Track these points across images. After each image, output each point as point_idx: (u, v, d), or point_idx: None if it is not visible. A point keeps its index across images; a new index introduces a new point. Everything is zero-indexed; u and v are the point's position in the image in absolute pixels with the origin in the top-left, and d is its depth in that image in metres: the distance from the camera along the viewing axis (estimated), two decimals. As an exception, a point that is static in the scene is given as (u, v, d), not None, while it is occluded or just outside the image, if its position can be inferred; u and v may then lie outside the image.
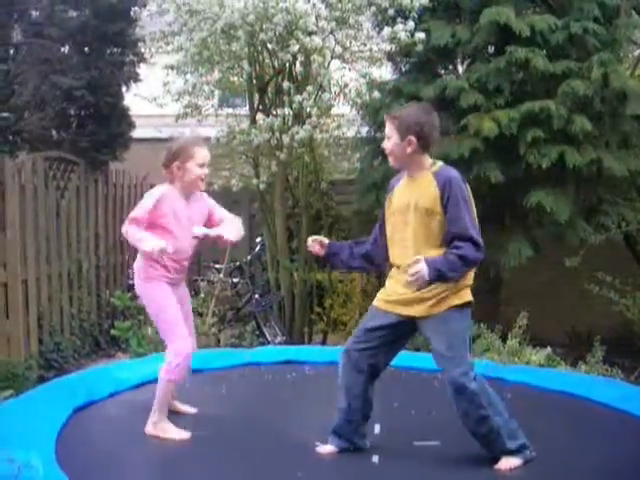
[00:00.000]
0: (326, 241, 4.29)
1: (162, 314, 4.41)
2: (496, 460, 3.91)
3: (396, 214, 4.04)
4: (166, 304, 4.39)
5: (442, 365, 3.93)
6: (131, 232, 4.18)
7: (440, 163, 4.01)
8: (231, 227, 4.52)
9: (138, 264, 4.46)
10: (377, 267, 4.37)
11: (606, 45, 7.02)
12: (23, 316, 7.13)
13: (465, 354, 3.88)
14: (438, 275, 3.69)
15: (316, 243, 4.28)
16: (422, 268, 3.64)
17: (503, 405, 3.95)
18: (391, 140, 3.98)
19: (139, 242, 4.15)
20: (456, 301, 3.88)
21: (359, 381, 4.09)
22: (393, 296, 4.03)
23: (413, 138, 3.90)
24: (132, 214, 4.23)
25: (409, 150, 3.92)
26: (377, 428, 4.39)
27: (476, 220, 3.89)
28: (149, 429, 4.33)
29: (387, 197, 4.18)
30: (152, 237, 4.15)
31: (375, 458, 3.99)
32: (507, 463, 3.88)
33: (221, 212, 4.67)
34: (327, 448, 4.17)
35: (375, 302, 4.17)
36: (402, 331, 4.09)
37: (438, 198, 3.84)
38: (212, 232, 4.45)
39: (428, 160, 3.99)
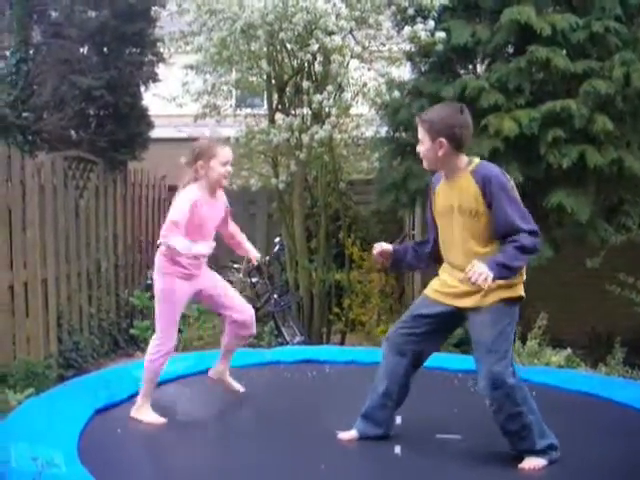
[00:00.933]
0: (390, 249, 4.23)
1: (166, 311, 4.53)
2: (520, 459, 3.88)
3: (441, 216, 4.01)
4: (173, 302, 4.52)
5: (482, 357, 3.88)
6: (171, 235, 4.31)
7: (477, 160, 3.93)
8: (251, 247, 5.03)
9: (158, 258, 4.57)
10: (441, 262, 4.33)
11: (628, 44, 6.96)
12: (42, 315, 7.16)
13: (508, 349, 3.87)
14: (502, 268, 3.67)
15: (380, 255, 4.23)
16: (481, 269, 3.60)
17: (535, 404, 3.93)
18: (423, 144, 3.91)
19: (174, 244, 4.30)
20: (506, 294, 3.84)
21: (400, 365, 4.10)
22: (445, 288, 4.01)
23: (444, 140, 3.82)
24: (173, 218, 4.35)
25: (441, 153, 3.85)
26: (399, 419, 4.39)
27: (522, 208, 3.84)
28: (132, 412, 4.50)
29: (431, 196, 4.12)
30: (183, 240, 4.34)
31: (397, 449, 3.98)
32: (531, 463, 3.84)
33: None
34: (349, 434, 4.18)
35: (427, 291, 4.16)
36: (448, 323, 4.12)
37: (480, 197, 3.78)
38: (252, 254, 5.14)
39: (464, 160, 3.91)
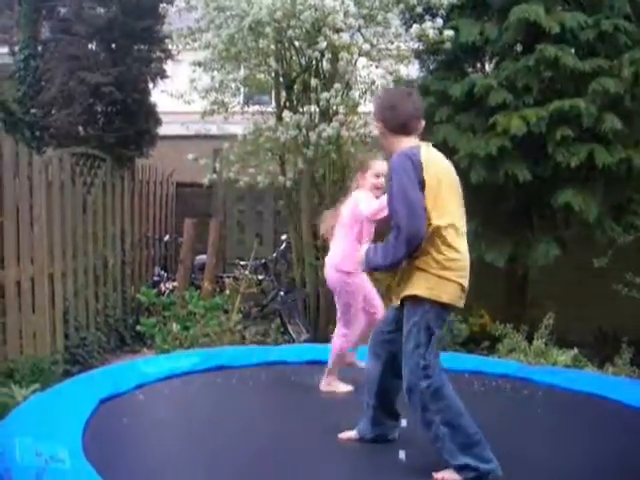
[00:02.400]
0: None
1: (350, 306, 5.27)
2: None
3: None
4: (356, 299, 5.26)
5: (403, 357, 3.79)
6: None
7: (416, 145, 3.80)
8: None
9: (342, 259, 5.15)
10: None
11: (637, 43, 6.93)
12: (49, 311, 7.16)
13: (418, 350, 3.66)
14: (366, 262, 3.81)
15: None
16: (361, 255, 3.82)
17: (467, 416, 3.68)
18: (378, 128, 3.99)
19: None
20: (408, 291, 3.71)
21: (376, 368, 4.07)
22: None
23: (380, 123, 3.89)
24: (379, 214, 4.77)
25: (379, 132, 3.95)
26: (404, 422, 4.37)
27: (410, 199, 3.59)
28: (323, 386, 5.31)
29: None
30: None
31: (402, 454, 3.96)
32: (445, 474, 3.65)
33: None
34: (348, 434, 4.21)
35: None
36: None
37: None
38: None
39: (405, 144, 3.80)
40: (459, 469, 3.62)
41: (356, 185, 5.20)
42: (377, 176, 5.07)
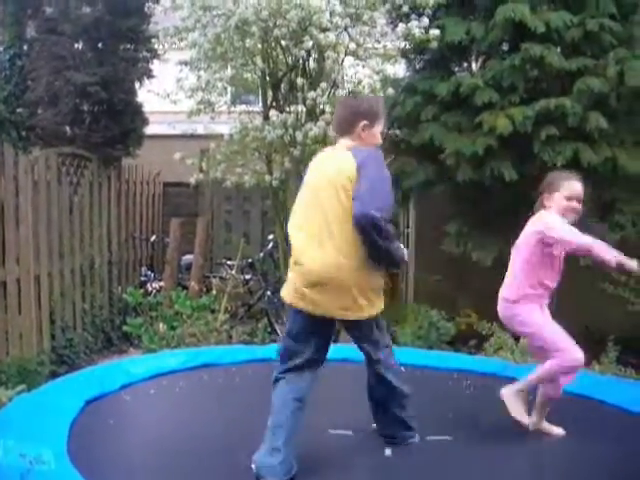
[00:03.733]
0: None
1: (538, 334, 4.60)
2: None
3: None
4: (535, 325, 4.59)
5: None
6: None
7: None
8: None
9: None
10: None
11: (622, 42, 6.95)
12: (35, 312, 7.14)
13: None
14: None
15: None
16: None
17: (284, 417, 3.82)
18: None
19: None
20: None
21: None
22: None
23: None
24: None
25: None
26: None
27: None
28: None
29: None
30: None
31: (388, 451, 3.97)
32: None
33: None
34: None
35: None
36: None
37: None
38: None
39: None
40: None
41: (541, 206, 4.64)
42: (569, 199, 4.52)
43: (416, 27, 7.23)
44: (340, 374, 5.33)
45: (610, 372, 6.37)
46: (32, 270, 7.07)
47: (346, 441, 4.22)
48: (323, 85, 7.54)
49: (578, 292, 8.44)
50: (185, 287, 8.51)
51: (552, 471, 3.94)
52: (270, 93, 8.35)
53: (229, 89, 8.97)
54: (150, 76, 9.62)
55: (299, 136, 7.50)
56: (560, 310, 8.05)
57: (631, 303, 7.08)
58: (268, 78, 8.30)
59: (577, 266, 7.14)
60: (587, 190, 6.81)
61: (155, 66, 9.78)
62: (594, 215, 7.08)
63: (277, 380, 3.90)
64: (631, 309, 7.16)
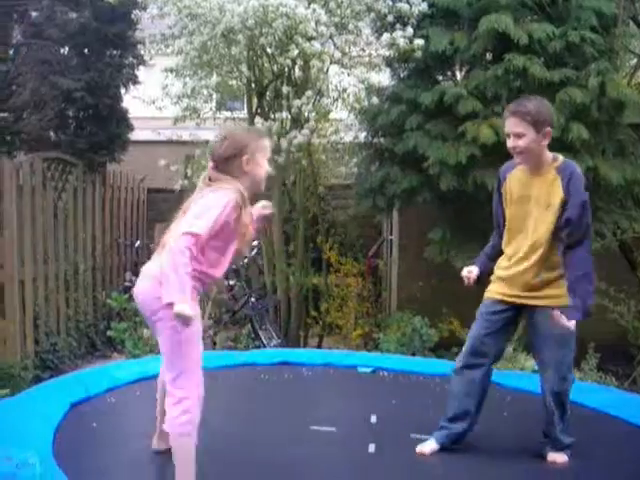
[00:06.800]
0: (475, 271, 4.41)
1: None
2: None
3: (515, 204, 4.11)
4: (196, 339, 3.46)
5: None
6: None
7: (561, 157, 4.00)
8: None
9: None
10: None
11: (603, 54, 7.03)
12: (19, 316, 7.14)
13: None
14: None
15: (469, 278, 4.42)
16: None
17: None
18: (527, 136, 3.88)
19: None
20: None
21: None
22: None
23: (550, 129, 3.90)
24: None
25: (544, 142, 3.91)
26: (374, 418, 4.43)
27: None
28: None
29: (504, 187, 4.19)
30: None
31: (372, 447, 4.02)
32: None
33: None
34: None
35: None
36: None
37: (561, 191, 3.88)
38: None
39: (549, 153, 4.00)
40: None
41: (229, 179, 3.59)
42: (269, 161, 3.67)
43: (401, 37, 7.29)
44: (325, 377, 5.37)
45: (591, 379, 6.43)
46: (16, 275, 7.07)
47: (329, 436, 4.26)
48: (308, 93, 7.59)
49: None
50: (169, 293, 8.51)
51: (529, 467, 3.99)
52: (255, 100, 8.40)
53: (215, 96, 9.01)
54: (136, 82, 9.65)
55: (284, 143, 7.54)
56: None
57: (611, 311, 7.14)
58: (254, 85, 8.36)
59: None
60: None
61: (141, 72, 9.82)
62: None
63: None
64: (611, 317, 7.23)
